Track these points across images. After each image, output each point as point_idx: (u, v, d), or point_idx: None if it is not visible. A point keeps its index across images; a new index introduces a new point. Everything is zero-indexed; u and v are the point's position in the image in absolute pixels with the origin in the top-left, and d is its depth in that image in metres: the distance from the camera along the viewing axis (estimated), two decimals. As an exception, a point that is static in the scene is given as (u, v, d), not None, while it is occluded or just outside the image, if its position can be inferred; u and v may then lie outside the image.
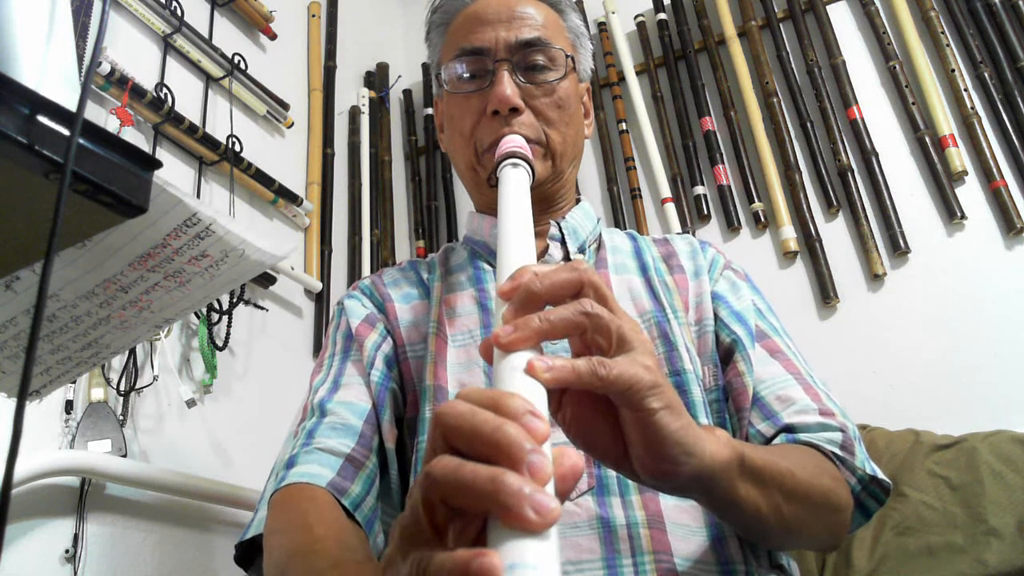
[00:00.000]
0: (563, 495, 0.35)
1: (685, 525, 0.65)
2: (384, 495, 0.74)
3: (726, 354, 0.78)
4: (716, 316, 0.81)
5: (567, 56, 0.86)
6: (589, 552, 0.63)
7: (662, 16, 1.88)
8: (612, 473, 0.66)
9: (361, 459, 0.72)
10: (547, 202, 0.88)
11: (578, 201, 0.93)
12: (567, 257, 0.85)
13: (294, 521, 0.65)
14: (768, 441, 0.71)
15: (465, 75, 0.85)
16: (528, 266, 0.46)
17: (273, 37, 1.70)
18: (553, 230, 0.87)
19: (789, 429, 0.70)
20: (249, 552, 0.74)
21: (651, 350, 0.46)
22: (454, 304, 0.82)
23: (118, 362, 1.14)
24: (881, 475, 0.71)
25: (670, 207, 1.71)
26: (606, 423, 0.47)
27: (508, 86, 0.81)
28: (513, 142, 0.75)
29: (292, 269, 1.52)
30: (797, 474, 0.59)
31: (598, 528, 0.64)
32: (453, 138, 0.88)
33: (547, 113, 0.83)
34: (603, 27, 1.96)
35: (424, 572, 0.33)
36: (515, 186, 0.67)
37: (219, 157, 1.39)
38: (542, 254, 0.86)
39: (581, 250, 0.87)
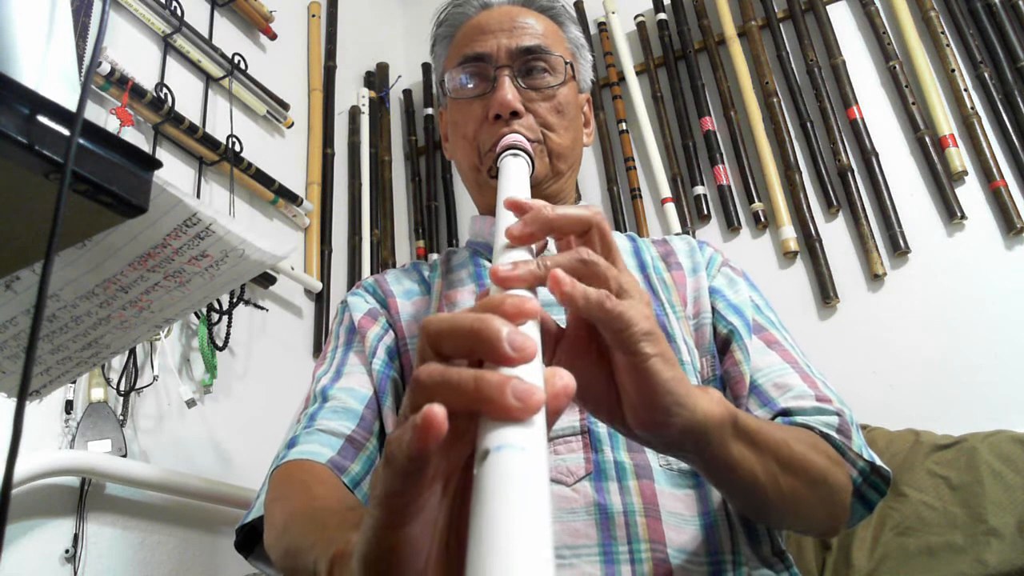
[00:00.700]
0: (555, 413, 0.35)
1: (679, 514, 0.66)
2: None
3: (723, 344, 0.79)
4: (713, 309, 0.82)
5: (566, 63, 0.88)
6: (586, 538, 0.63)
7: (662, 16, 1.87)
8: (609, 459, 0.67)
9: (361, 440, 0.74)
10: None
11: (577, 203, 0.94)
12: None
13: (295, 490, 0.66)
14: None
15: (468, 83, 0.88)
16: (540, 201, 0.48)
17: (273, 37, 1.70)
18: None
19: (786, 413, 0.71)
20: (249, 540, 0.74)
21: (648, 302, 0.47)
22: (455, 299, 0.83)
23: (118, 362, 1.14)
24: (879, 462, 0.71)
25: (670, 207, 1.71)
26: (600, 374, 0.48)
27: (509, 90, 0.83)
28: (513, 138, 0.77)
29: (292, 269, 1.52)
30: (792, 445, 0.59)
31: (595, 514, 0.65)
32: (457, 142, 0.91)
33: (547, 117, 0.85)
34: (603, 27, 1.96)
35: (387, 446, 0.34)
36: (515, 171, 0.69)
37: (219, 157, 1.39)
38: (542, 249, 0.86)
39: None
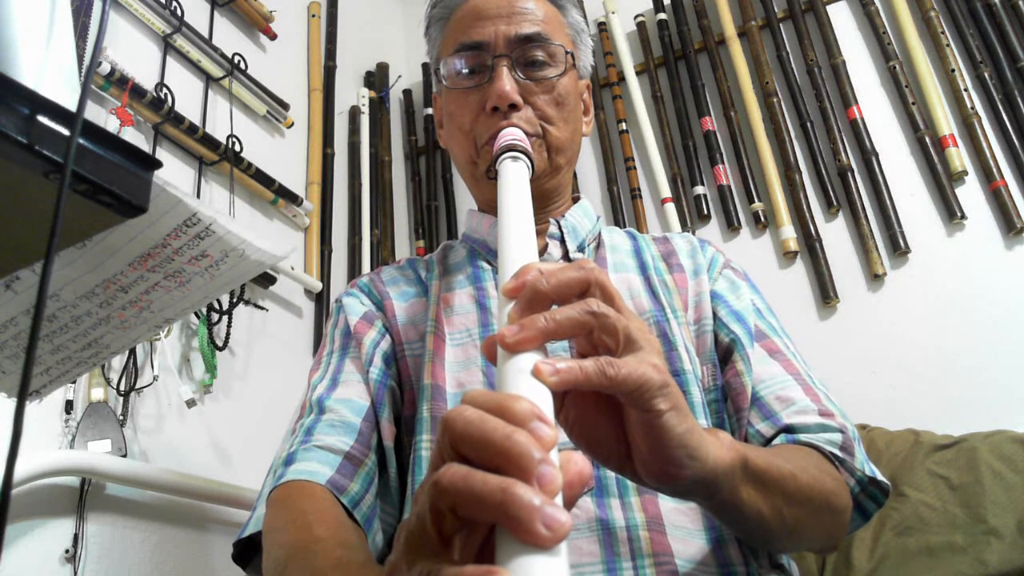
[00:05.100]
0: (570, 502, 0.34)
1: (684, 527, 0.65)
2: (382, 493, 0.74)
3: (725, 354, 0.78)
4: (715, 315, 0.80)
5: (567, 52, 0.85)
6: (589, 555, 0.62)
7: (662, 16, 1.87)
8: (611, 474, 0.66)
9: (360, 457, 0.72)
10: (544, 199, 0.87)
11: (577, 199, 0.93)
12: (566, 255, 0.85)
13: (293, 519, 0.64)
14: (768, 441, 0.71)
15: (464, 70, 0.85)
16: (533, 264, 0.45)
17: (273, 37, 1.70)
18: (552, 228, 0.87)
19: (789, 429, 0.70)
20: (247, 550, 0.73)
21: (659, 350, 0.45)
22: (452, 303, 0.82)
23: (118, 362, 1.14)
24: (880, 476, 0.71)
25: (670, 207, 1.71)
26: (610, 424, 0.46)
27: (507, 82, 0.80)
28: (512, 135, 0.74)
29: (292, 269, 1.52)
30: (799, 477, 0.59)
31: (597, 530, 0.64)
32: (452, 133, 0.88)
33: (546, 110, 0.83)
34: (603, 27, 1.96)
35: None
36: (515, 180, 0.66)
37: (219, 157, 1.39)
38: (541, 252, 0.86)
39: (580, 248, 0.87)
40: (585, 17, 1.95)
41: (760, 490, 0.54)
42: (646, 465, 0.46)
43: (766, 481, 0.55)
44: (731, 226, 1.66)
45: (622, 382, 0.42)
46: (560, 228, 0.87)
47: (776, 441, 0.70)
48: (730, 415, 0.75)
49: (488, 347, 0.43)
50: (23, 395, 0.36)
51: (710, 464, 0.47)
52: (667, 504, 0.66)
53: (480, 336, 0.78)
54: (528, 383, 0.39)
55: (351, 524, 0.67)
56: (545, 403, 0.38)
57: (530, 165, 0.71)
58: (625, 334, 0.44)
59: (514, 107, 0.80)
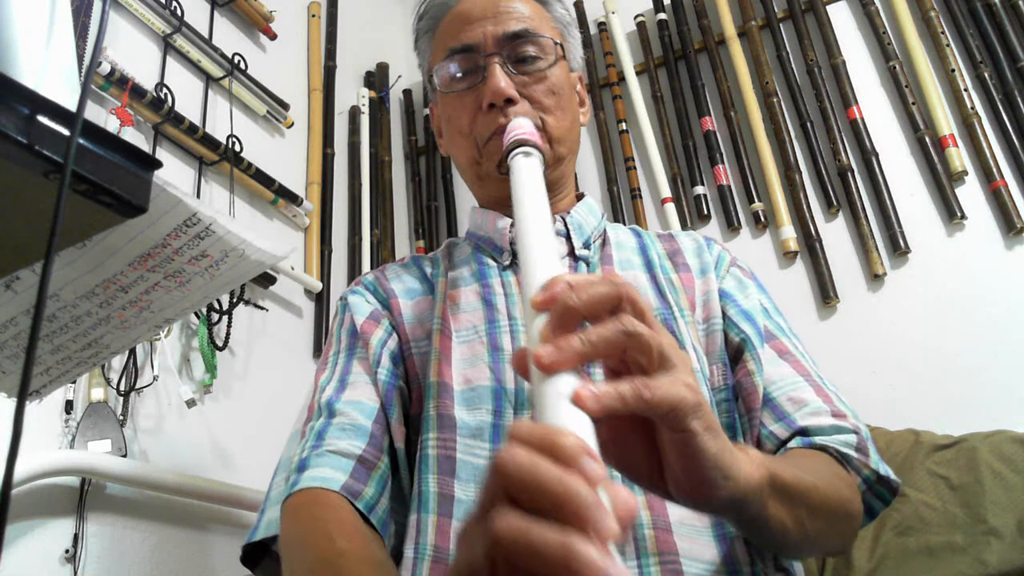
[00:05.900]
0: (616, 539, 0.34)
1: (691, 525, 0.65)
2: (395, 495, 0.74)
3: (735, 353, 0.78)
4: (724, 314, 0.81)
5: (556, 44, 0.86)
6: None
7: (662, 16, 1.87)
8: (614, 473, 0.66)
9: (373, 460, 0.72)
10: (548, 191, 0.87)
11: (580, 196, 0.93)
12: (572, 252, 0.85)
13: (313, 530, 0.64)
14: (782, 442, 0.71)
15: (457, 74, 0.86)
16: (561, 276, 0.45)
17: (273, 37, 1.70)
18: (559, 225, 0.87)
19: (804, 432, 0.70)
20: (255, 552, 0.73)
21: (690, 367, 0.45)
22: (458, 300, 0.82)
23: (118, 362, 1.14)
24: (892, 475, 0.71)
25: (670, 207, 1.71)
26: (641, 444, 0.46)
27: (501, 78, 0.81)
28: (521, 127, 0.75)
29: (292, 269, 1.52)
30: (820, 487, 0.59)
31: None
32: (453, 137, 0.88)
33: (542, 100, 0.84)
34: (603, 27, 1.96)
35: None
36: (529, 179, 0.66)
37: (219, 157, 1.39)
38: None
39: (586, 245, 0.87)
40: (585, 20, 1.95)
41: (786, 504, 0.54)
42: (679, 484, 0.46)
43: (792, 495, 0.55)
44: (731, 226, 1.66)
45: (658, 404, 0.41)
46: (566, 225, 0.87)
47: (791, 443, 0.70)
48: (741, 415, 0.75)
49: (520, 361, 0.43)
50: (23, 395, 0.36)
51: (742, 483, 0.47)
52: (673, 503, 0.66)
53: (486, 333, 0.78)
54: (569, 410, 0.39)
55: (371, 533, 0.67)
56: (587, 431, 0.38)
57: (542, 159, 0.71)
58: (659, 352, 0.43)
59: (510, 102, 0.81)
